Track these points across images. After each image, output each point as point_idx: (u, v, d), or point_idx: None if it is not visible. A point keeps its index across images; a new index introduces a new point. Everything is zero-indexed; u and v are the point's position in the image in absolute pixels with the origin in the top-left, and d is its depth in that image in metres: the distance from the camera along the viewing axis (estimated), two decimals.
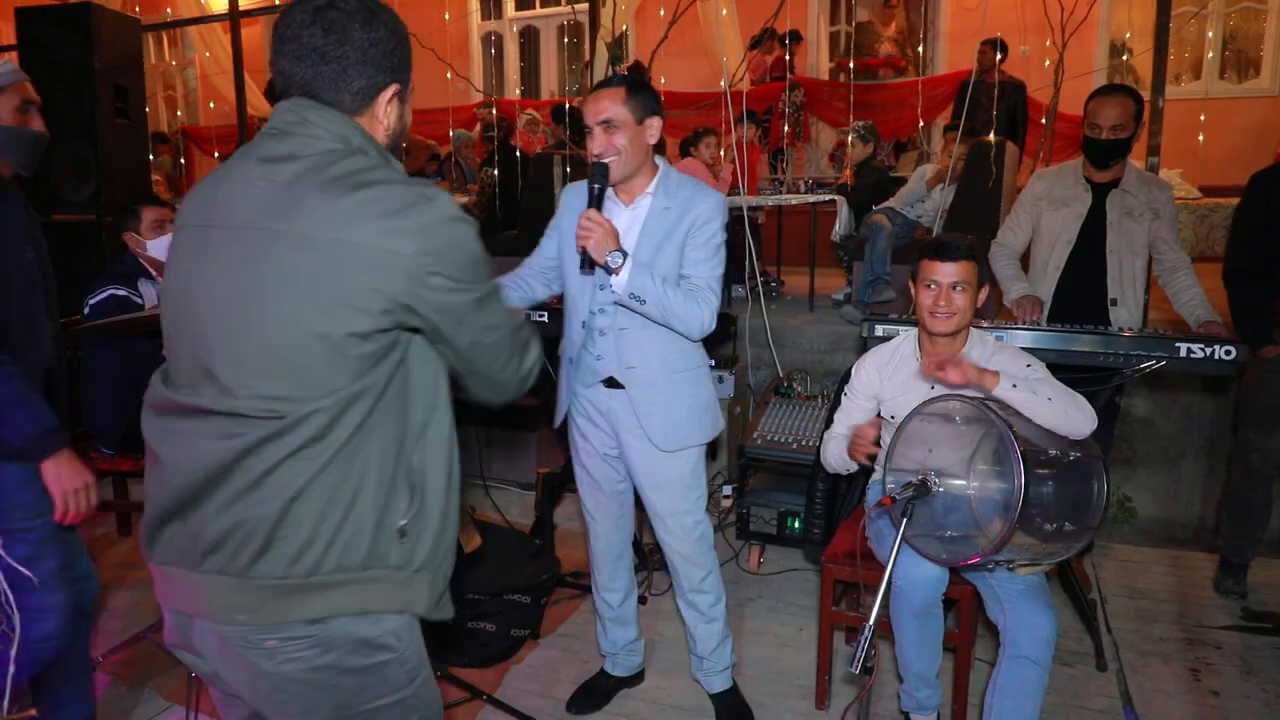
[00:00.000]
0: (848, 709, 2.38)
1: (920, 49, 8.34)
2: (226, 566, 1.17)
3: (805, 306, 5.17)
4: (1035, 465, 1.90)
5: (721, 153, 5.88)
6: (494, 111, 7.34)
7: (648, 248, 2.13)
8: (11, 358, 1.83)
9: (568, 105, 6.55)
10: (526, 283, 2.36)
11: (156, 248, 3.15)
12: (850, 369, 2.50)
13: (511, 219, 6.22)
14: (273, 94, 1.45)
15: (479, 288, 1.24)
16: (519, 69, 10.17)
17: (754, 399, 4.23)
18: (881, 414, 2.40)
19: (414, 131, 6.94)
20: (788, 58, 7.74)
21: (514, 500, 4.04)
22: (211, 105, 10.32)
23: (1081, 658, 2.74)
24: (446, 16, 8.78)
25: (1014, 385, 2.03)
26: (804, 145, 7.97)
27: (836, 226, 5.52)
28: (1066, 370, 2.42)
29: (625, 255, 2.04)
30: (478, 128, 7.79)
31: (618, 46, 5.93)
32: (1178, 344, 2.56)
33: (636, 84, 2.13)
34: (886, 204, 5.26)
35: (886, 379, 2.38)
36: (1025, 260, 3.24)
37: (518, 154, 6.35)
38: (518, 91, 9.94)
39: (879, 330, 2.78)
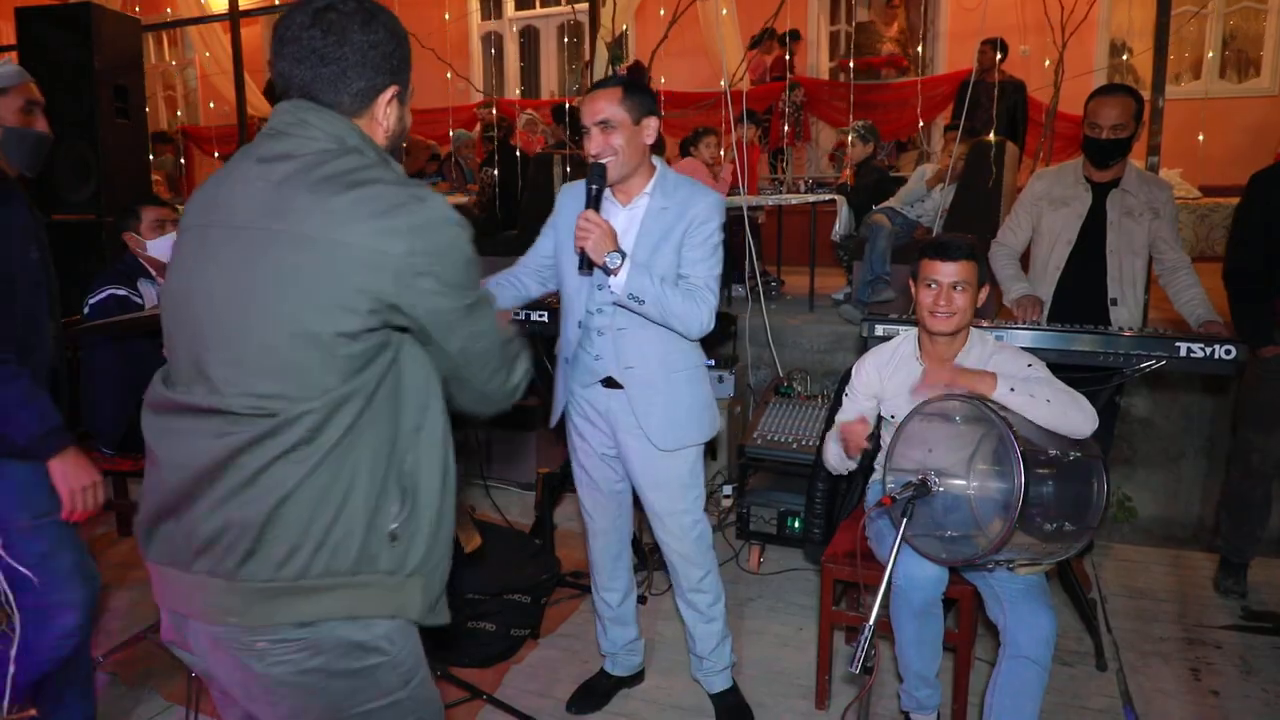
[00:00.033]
0: (848, 709, 2.38)
1: (920, 49, 8.34)
2: (216, 567, 1.18)
3: (805, 306, 5.17)
4: (1035, 465, 1.90)
5: (721, 152, 5.88)
6: (494, 111, 7.34)
7: (645, 247, 2.13)
8: (16, 358, 1.84)
9: (568, 105, 6.56)
10: (520, 280, 2.36)
11: (156, 248, 3.15)
12: (850, 369, 2.50)
13: (511, 219, 6.22)
14: (272, 93, 1.46)
15: (468, 294, 1.23)
16: (519, 69, 10.17)
17: (754, 399, 4.23)
18: (881, 413, 2.40)
19: (414, 131, 6.94)
20: (788, 57, 7.73)
21: (514, 500, 4.04)
22: (212, 105, 10.32)
23: (1081, 657, 2.74)
24: (446, 16, 8.77)
25: (1011, 389, 2.02)
26: (804, 145, 7.97)
27: (836, 226, 5.52)
28: (1066, 370, 2.42)
29: (624, 256, 2.05)
30: (478, 128, 7.79)
31: (618, 46, 5.93)
32: (1178, 343, 2.56)
33: (633, 84, 2.13)
34: (886, 204, 5.26)
35: (886, 379, 2.38)
36: (1025, 260, 3.24)
37: (518, 154, 6.35)
38: (518, 91, 9.94)
39: (879, 330, 2.78)
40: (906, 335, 2.42)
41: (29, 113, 2.02)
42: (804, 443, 3.42)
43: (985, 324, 2.72)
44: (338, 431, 1.17)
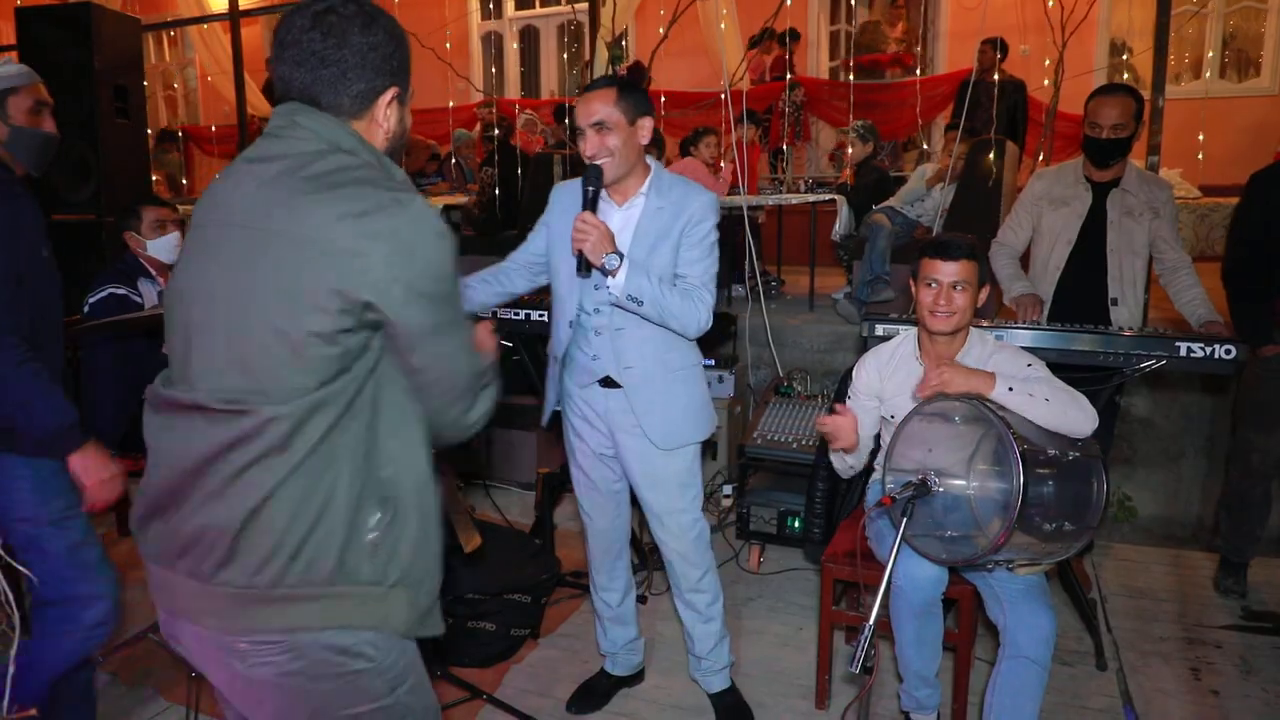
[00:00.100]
0: (848, 709, 2.38)
1: (920, 48, 8.34)
2: (195, 569, 1.19)
3: (805, 306, 5.17)
4: (1034, 465, 1.90)
5: (721, 152, 5.88)
6: (494, 111, 7.34)
7: (642, 247, 2.13)
8: (32, 355, 1.86)
9: (568, 105, 6.55)
10: (508, 276, 2.36)
11: (157, 247, 3.15)
12: (849, 370, 2.50)
13: (511, 219, 6.22)
14: (271, 92, 1.46)
15: (440, 310, 1.20)
16: (519, 69, 10.16)
17: (754, 398, 4.23)
18: (882, 413, 2.41)
19: (414, 131, 6.93)
20: (787, 57, 7.73)
21: (514, 500, 4.04)
22: (213, 121, 10.33)
23: (1081, 657, 2.74)
24: (446, 17, 8.77)
25: (1010, 388, 2.02)
26: (804, 145, 7.97)
27: (836, 226, 5.52)
28: (1066, 370, 2.42)
29: (622, 257, 2.05)
30: (478, 128, 7.79)
31: (618, 46, 5.93)
32: (1178, 343, 2.56)
33: (627, 85, 2.13)
34: (886, 203, 5.26)
35: (886, 378, 2.38)
36: (1026, 260, 3.24)
37: (518, 154, 6.35)
38: (518, 92, 9.95)
39: (879, 330, 2.78)
40: (906, 335, 2.42)
41: (37, 113, 2.03)
42: (804, 443, 3.42)
43: (985, 324, 2.72)
44: (312, 438, 1.16)
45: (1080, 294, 3.05)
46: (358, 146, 1.24)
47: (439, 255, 1.19)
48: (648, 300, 2.07)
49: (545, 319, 2.90)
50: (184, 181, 9.43)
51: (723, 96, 4.57)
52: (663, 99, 7.26)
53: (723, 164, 5.97)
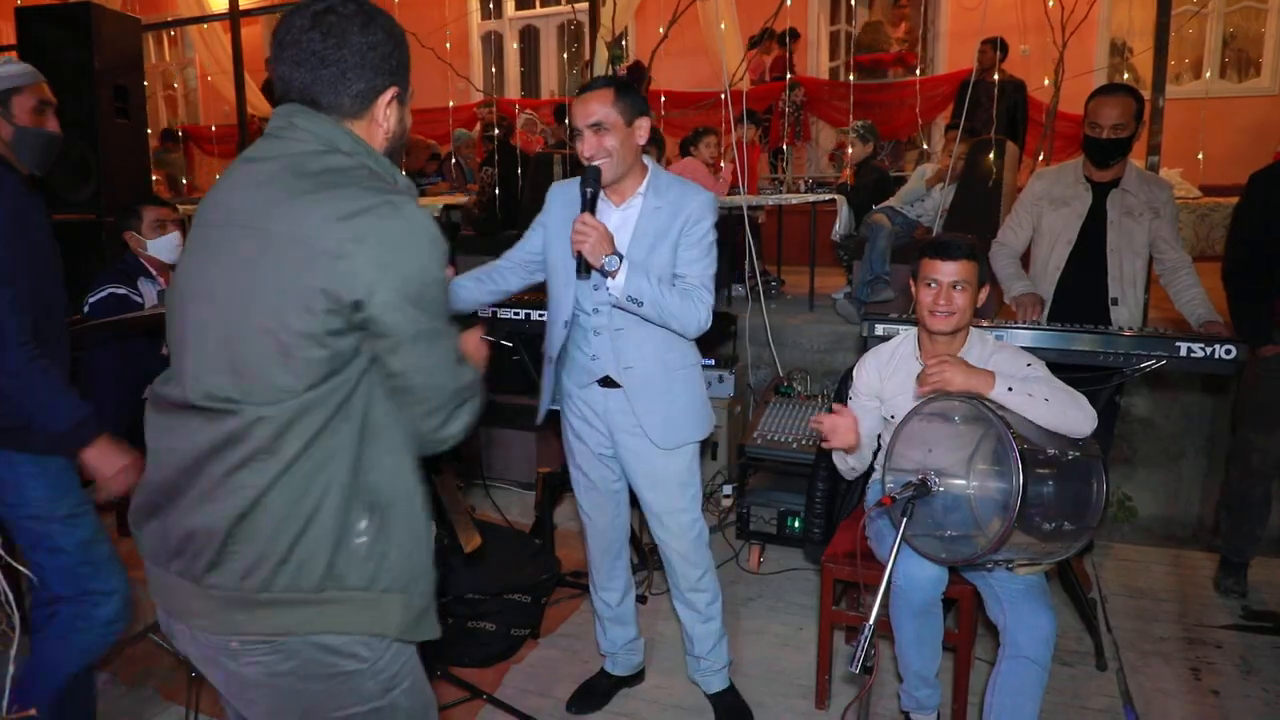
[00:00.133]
0: (848, 708, 2.38)
1: (920, 48, 8.34)
2: (186, 571, 1.20)
3: (805, 306, 5.17)
4: (1034, 465, 1.90)
5: (721, 152, 5.88)
6: (494, 111, 7.34)
7: (641, 247, 2.14)
8: (43, 351, 1.87)
9: (568, 105, 6.55)
10: (502, 275, 2.36)
11: (157, 247, 3.15)
12: (849, 370, 2.50)
13: (511, 219, 6.22)
14: (271, 92, 1.46)
15: (423, 319, 1.18)
16: (519, 69, 10.16)
17: (754, 398, 4.23)
18: (882, 413, 2.40)
19: (414, 131, 6.92)
20: (787, 57, 7.74)
21: (514, 500, 4.04)
22: (213, 120, 10.34)
23: (1081, 657, 2.74)
24: (446, 17, 8.77)
25: (1010, 388, 2.02)
26: (804, 145, 7.97)
27: (836, 226, 5.53)
28: (1066, 369, 2.42)
29: (621, 259, 2.04)
30: (478, 127, 7.79)
31: (618, 46, 5.93)
32: (1178, 343, 2.56)
33: (624, 85, 2.12)
34: (886, 203, 5.26)
35: (886, 378, 2.37)
36: (1026, 260, 3.24)
37: (518, 154, 6.35)
38: (518, 92, 9.95)
39: (879, 330, 2.78)
40: (906, 335, 2.42)
41: (41, 113, 2.03)
42: (804, 443, 3.42)
43: (985, 324, 2.72)
44: (300, 441, 1.15)
45: (1080, 294, 3.05)
46: (355, 148, 1.24)
47: (428, 260, 1.18)
48: (648, 301, 2.07)
49: (545, 318, 2.90)
50: (183, 181, 9.44)
51: (723, 96, 4.57)
52: (663, 99, 7.27)
53: (723, 164, 5.97)
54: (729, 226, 5.02)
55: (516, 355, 3.32)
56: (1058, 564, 2.33)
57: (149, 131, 5.15)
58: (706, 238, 2.17)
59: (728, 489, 3.89)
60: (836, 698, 2.53)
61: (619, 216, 2.18)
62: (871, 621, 1.71)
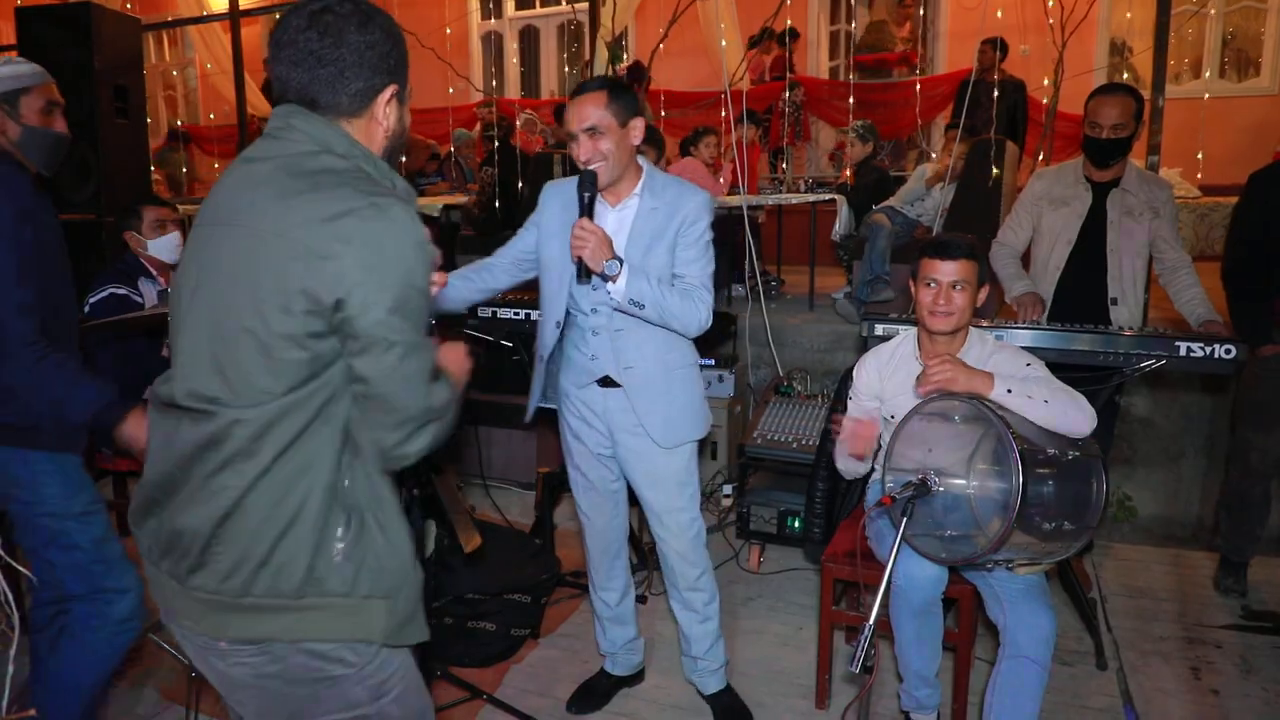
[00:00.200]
0: (848, 708, 2.38)
1: (920, 48, 8.34)
2: (173, 571, 1.21)
3: (805, 306, 5.17)
4: (1034, 465, 1.90)
5: (721, 152, 5.88)
6: (494, 111, 7.34)
7: (638, 249, 2.13)
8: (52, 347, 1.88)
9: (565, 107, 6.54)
10: (491, 273, 2.35)
11: (157, 247, 3.15)
12: (849, 370, 2.50)
13: (511, 218, 6.22)
14: (270, 91, 1.46)
15: (401, 326, 1.15)
16: (519, 69, 10.16)
17: (754, 398, 4.23)
18: (882, 413, 2.41)
19: (414, 131, 6.94)
20: (787, 56, 7.74)
21: (514, 500, 4.04)
22: (212, 117, 10.33)
23: (1081, 657, 2.74)
24: (446, 17, 8.78)
25: (1009, 390, 2.02)
26: (804, 145, 7.98)
27: (836, 226, 5.53)
28: (1066, 369, 2.42)
29: (622, 263, 2.04)
30: (478, 127, 7.79)
31: (618, 46, 5.93)
32: (1177, 343, 2.56)
33: (616, 86, 2.10)
34: (886, 203, 5.26)
35: (886, 378, 2.38)
36: (1026, 260, 3.24)
37: (517, 154, 6.35)
38: (518, 92, 9.95)
39: (879, 330, 2.78)
40: (906, 335, 2.42)
41: (49, 113, 2.04)
42: (804, 442, 3.42)
43: (985, 324, 2.72)
44: (279, 444, 1.15)
45: (1080, 294, 3.04)
46: (350, 150, 1.23)
47: (412, 265, 1.16)
48: (649, 303, 2.07)
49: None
50: (184, 171, 9.42)
51: (723, 96, 4.57)
52: (663, 99, 7.27)
53: (723, 164, 5.97)
54: (729, 226, 5.02)
55: (516, 355, 3.33)
56: (1058, 564, 2.33)
57: (149, 127, 5.15)
58: (704, 237, 2.17)
59: (728, 489, 3.89)
60: (836, 698, 2.53)
61: (615, 217, 2.18)
62: (871, 621, 1.71)
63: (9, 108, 1.97)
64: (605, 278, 2.05)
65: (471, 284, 2.33)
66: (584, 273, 2.07)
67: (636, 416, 2.22)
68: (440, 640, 2.67)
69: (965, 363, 2.11)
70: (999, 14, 6.64)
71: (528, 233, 2.33)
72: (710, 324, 2.16)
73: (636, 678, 2.63)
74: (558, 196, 2.25)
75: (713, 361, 3.96)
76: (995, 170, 4.76)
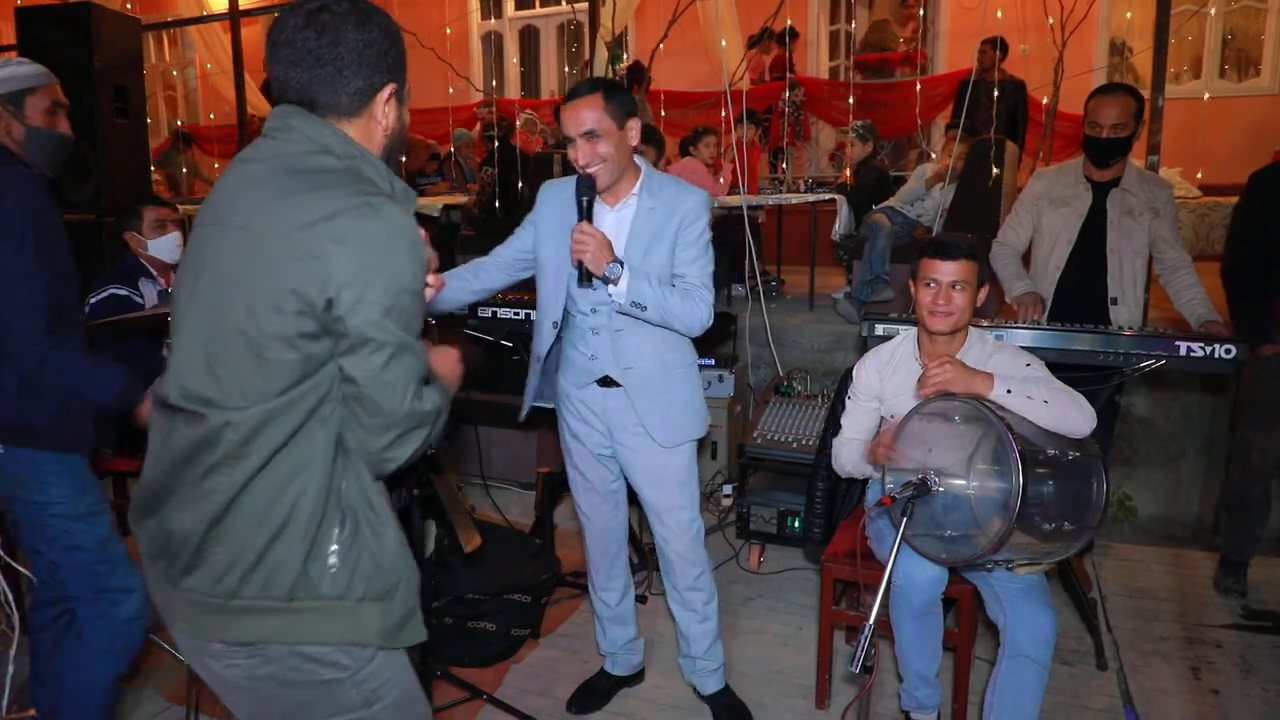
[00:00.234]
0: (848, 708, 2.38)
1: (920, 48, 8.33)
2: (167, 573, 1.21)
3: (805, 306, 5.17)
4: (1034, 465, 1.90)
5: (721, 152, 5.88)
6: (494, 111, 7.34)
7: (638, 249, 2.13)
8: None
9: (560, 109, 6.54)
10: (487, 273, 2.34)
11: (157, 247, 3.15)
12: (849, 370, 2.50)
13: (511, 218, 6.20)
14: (269, 91, 1.46)
15: (391, 328, 1.14)
16: (519, 69, 10.16)
17: (754, 398, 4.23)
18: (882, 414, 2.40)
19: (414, 131, 6.95)
20: (787, 56, 7.74)
21: (514, 500, 4.04)
22: (212, 117, 10.33)
23: (1082, 657, 2.74)
24: (446, 17, 8.78)
25: (1009, 391, 2.02)
26: (804, 145, 7.97)
27: (836, 226, 5.53)
28: (1066, 369, 2.42)
29: (623, 265, 2.04)
30: (478, 127, 7.79)
31: (618, 46, 5.93)
32: (1177, 343, 2.56)
33: (612, 87, 2.08)
34: (886, 203, 5.26)
35: (886, 378, 2.37)
36: (1026, 260, 3.24)
37: (517, 154, 6.35)
38: (518, 92, 9.95)
39: (879, 329, 2.78)
40: (906, 335, 2.42)
41: (53, 114, 2.05)
42: (804, 442, 3.42)
43: (985, 324, 2.72)
44: (270, 446, 1.15)
45: (1080, 293, 3.04)
46: (347, 150, 1.23)
47: (404, 266, 1.15)
48: (651, 305, 2.07)
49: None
50: (184, 170, 9.42)
51: (723, 96, 4.57)
52: (662, 99, 7.27)
53: (723, 164, 5.97)
54: (729, 226, 5.02)
55: (516, 355, 3.32)
56: (1058, 564, 2.33)
57: (148, 125, 5.15)
58: (703, 237, 2.17)
59: (727, 489, 3.89)
60: (836, 698, 2.53)
61: (614, 218, 2.17)
62: (871, 621, 1.71)
63: (14, 108, 1.97)
64: (607, 281, 2.05)
65: (468, 284, 2.33)
66: (585, 276, 2.07)
67: (636, 416, 2.22)
68: (440, 640, 2.67)
69: (965, 363, 2.11)
70: (999, 14, 6.65)
71: (525, 232, 2.32)
72: (711, 323, 2.16)
73: (636, 678, 2.63)
74: (555, 196, 2.24)
75: (713, 361, 3.97)
76: (995, 170, 4.76)
